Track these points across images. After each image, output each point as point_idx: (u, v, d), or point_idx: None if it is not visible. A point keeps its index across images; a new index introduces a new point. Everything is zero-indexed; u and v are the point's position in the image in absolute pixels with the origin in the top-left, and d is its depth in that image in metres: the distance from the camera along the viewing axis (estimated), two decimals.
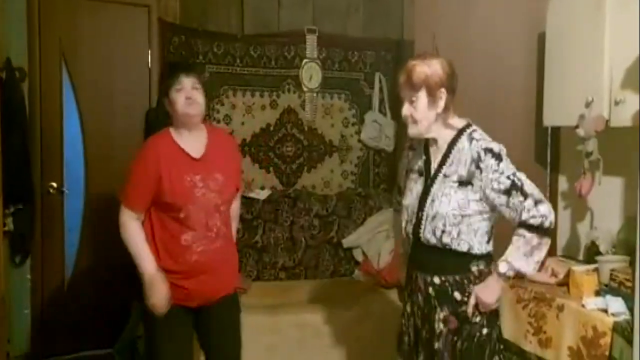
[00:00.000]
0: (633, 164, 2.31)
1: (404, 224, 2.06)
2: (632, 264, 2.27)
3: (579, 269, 2.43)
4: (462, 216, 1.90)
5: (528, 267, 1.90)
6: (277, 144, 4.00)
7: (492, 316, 1.97)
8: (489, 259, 1.98)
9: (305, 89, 4.01)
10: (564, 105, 2.62)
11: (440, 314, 1.95)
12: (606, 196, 2.62)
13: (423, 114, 1.93)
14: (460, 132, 1.97)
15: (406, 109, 1.94)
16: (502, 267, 1.89)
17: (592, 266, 2.43)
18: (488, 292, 1.91)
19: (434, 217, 1.93)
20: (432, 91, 1.91)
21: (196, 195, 2.19)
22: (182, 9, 3.76)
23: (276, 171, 4.00)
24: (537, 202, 1.88)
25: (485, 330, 1.95)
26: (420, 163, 2.04)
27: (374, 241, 3.80)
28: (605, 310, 2.16)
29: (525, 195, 1.87)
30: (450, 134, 1.98)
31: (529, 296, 2.46)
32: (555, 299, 2.35)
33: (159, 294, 2.15)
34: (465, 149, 1.93)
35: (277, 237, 3.74)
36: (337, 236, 3.87)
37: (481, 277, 1.95)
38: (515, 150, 2.96)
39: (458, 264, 1.95)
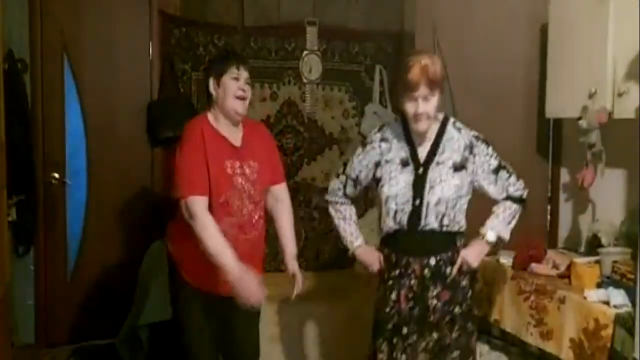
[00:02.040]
0: (636, 156, 2.32)
1: (391, 214, 2.09)
2: (634, 256, 2.28)
3: (580, 260, 2.44)
4: (458, 198, 2.09)
5: (507, 233, 2.18)
6: (277, 135, 3.99)
7: (472, 280, 2.22)
8: (464, 233, 2.20)
9: (305, 81, 4.00)
10: (567, 97, 2.62)
11: (434, 291, 2.11)
12: (608, 188, 2.63)
13: (435, 111, 2.05)
14: (444, 122, 2.14)
15: (422, 107, 2.00)
16: (490, 235, 2.14)
17: (594, 258, 2.43)
18: (474, 255, 2.15)
19: (437, 203, 2.06)
20: (441, 89, 2.06)
21: (235, 182, 2.20)
22: (183, 0, 3.74)
23: None
24: (517, 177, 2.19)
25: (470, 292, 2.19)
26: (402, 153, 2.11)
27: (374, 233, 3.80)
28: (607, 303, 2.16)
29: (509, 173, 2.17)
30: (435, 125, 2.12)
31: (530, 288, 2.46)
32: (556, 291, 2.35)
33: (251, 286, 2.08)
34: (455, 138, 2.12)
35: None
36: None
37: (461, 248, 2.17)
38: (517, 141, 3.01)
39: (449, 242, 2.14)
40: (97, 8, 3.52)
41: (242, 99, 2.22)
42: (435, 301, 2.11)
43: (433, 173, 2.07)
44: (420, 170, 2.07)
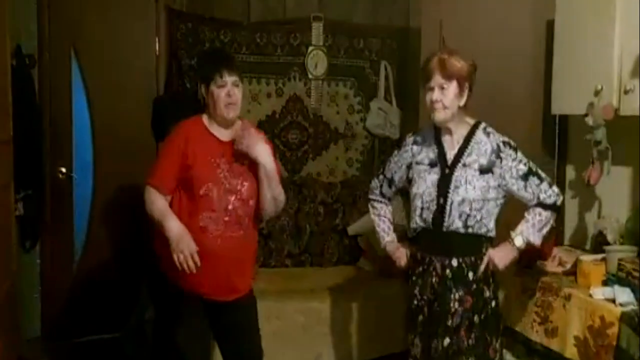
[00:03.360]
0: None
1: (418, 211, 2.17)
2: None
3: (586, 258, 2.44)
4: (484, 201, 2.10)
5: (538, 239, 2.15)
6: (282, 131, 4.00)
7: (496, 290, 2.19)
8: (494, 240, 2.19)
9: (310, 77, 4.00)
10: (573, 94, 2.61)
11: (456, 294, 2.11)
12: (614, 186, 2.62)
13: (451, 103, 2.08)
14: (474, 127, 2.16)
15: (437, 95, 2.08)
16: (518, 240, 2.13)
17: (600, 256, 2.43)
18: (501, 256, 2.14)
19: (460, 203, 2.09)
20: (461, 84, 2.08)
21: (218, 175, 2.19)
22: None
23: (281, 158, 3.99)
24: (550, 184, 2.16)
25: (493, 303, 2.17)
26: (431, 155, 2.18)
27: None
28: (612, 300, 2.16)
29: (541, 179, 2.14)
30: (465, 128, 2.16)
31: (536, 285, 2.46)
32: (562, 289, 2.35)
33: (189, 247, 2.11)
34: (483, 142, 2.13)
35: (282, 224, 3.75)
36: (342, 224, 3.88)
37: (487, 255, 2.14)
38: (523, 138, 2.96)
39: (474, 246, 2.14)
40: (104, 4, 3.53)
41: (232, 104, 2.21)
42: (457, 305, 2.10)
43: (458, 174, 2.11)
44: (447, 170, 2.12)
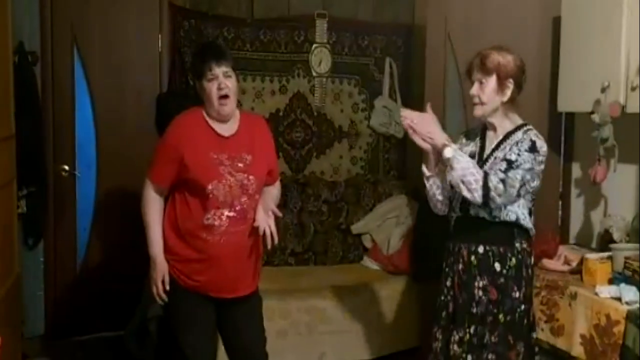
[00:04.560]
0: None
1: (454, 201, 2.18)
2: None
3: (592, 256, 2.42)
4: None
5: (453, 173, 2.00)
6: (286, 129, 3.99)
7: (528, 295, 2.12)
8: (531, 239, 2.13)
9: (314, 74, 3.99)
10: (579, 91, 2.59)
11: (480, 282, 2.09)
12: (621, 184, 2.60)
13: (490, 98, 2.08)
14: (519, 127, 2.13)
15: (475, 89, 2.09)
16: (448, 151, 2.01)
17: (606, 254, 2.42)
18: (423, 120, 2.06)
19: None
20: (502, 79, 2.07)
21: (221, 172, 2.16)
22: None
23: (285, 157, 3.99)
24: (505, 193, 1.98)
25: (523, 306, 2.09)
26: (473, 148, 2.20)
27: (383, 227, 3.79)
28: (618, 299, 2.15)
29: (504, 172, 1.99)
30: (509, 126, 2.14)
31: (541, 284, 2.45)
32: (568, 287, 2.34)
33: (162, 276, 2.21)
34: (518, 139, 2.09)
35: (286, 223, 3.73)
36: (346, 222, 3.87)
37: (522, 253, 2.09)
38: None
39: (504, 236, 2.09)
40: (107, 0, 3.52)
41: (225, 97, 2.17)
42: (480, 293, 2.09)
43: (488, 165, 2.11)
44: (480, 163, 2.13)
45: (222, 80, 2.16)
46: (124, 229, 3.57)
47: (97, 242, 3.60)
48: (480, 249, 2.11)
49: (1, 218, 2.43)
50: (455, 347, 2.11)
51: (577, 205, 2.92)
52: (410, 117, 2.07)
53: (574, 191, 2.94)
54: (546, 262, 2.55)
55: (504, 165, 2.02)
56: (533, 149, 2.03)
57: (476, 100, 2.09)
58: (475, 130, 2.25)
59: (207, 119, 2.23)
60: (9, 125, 2.66)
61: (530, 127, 2.13)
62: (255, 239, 2.27)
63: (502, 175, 1.99)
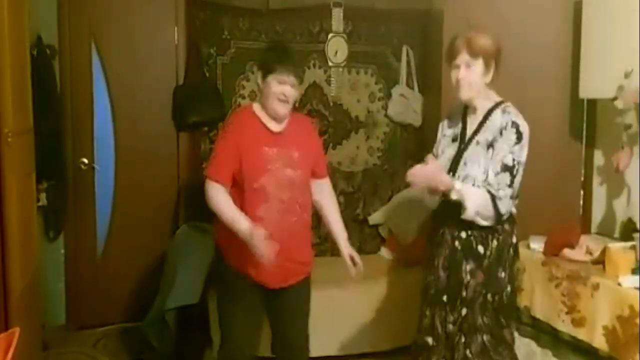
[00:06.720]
0: None
1: None
2: None
3: (615, 246, 2.38)
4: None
5: (467, 211, 2.04)
6: None
7: (512, 276, 2.20)
8: (512, 220, 2.17)
9: (330, 64, 3.95)
10: (602, 77, 2.54)
11: (467, 267, 2.15)
12: None
13: (477, 80, 2.11)
14: (497, 104, 2.16)
15: (463, 72, 2.10)
16: (457, 188, 2.05)
17: (629, 244, 2.37)
18: (429, 172, 2.04)
19: (464, 178, 2.11)
20: (487, 61, 2.10)
21: (270, 167, 2.23)
22: None
23: None
24: (512, 198, 2.09)
25: (509, 288, 2.17)
26: (455, 130, 2.23)
27: (400, 218, 3.76)
28: None
29: (510, 185, 2.07)
30: (488, 105, 2.17)
31: (562, 274, 2.41)
32: (590, 277, 2.29)
33: (264, 244, 2.11)
34: (497, 119, 2.13)
35: None
36: (363, 213, 3.85)
37: (503, 234, 2.14)
38: (550, 123, 2.92)
39: None
40: None
41: (284, 101, 2.25)
42: (468, 277, 2.14)
43: (469, 151, 2.14)
44: (462, 146, 2.17)
45: (289, 88, 2.24)
46: (143, 221, 3.61)
47: (116, 234, 3.64)
48: (463, 234, 2.15)
49: (21, 211, 2.46)
50: (450, 326, 2.18)
51: (599, 193, 2.86)
52: (418, 179, 2.06)
53: (596, 179, 2.88)
54: (568, 252, 2.50)
55: (507, 178, 2.05)
56: (520, 137, 2.07)
57: (464, 82, 2.09)
58: (455, 111, 2.27)
59: (259, 114, 2.30)
60: (28, 119, 2.68)
61: (508, 104, 2.14)
62: (305, 230, 2.35)
63: (508, 191, 2.05)
